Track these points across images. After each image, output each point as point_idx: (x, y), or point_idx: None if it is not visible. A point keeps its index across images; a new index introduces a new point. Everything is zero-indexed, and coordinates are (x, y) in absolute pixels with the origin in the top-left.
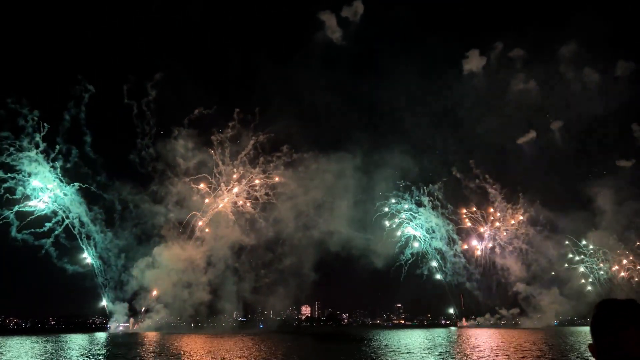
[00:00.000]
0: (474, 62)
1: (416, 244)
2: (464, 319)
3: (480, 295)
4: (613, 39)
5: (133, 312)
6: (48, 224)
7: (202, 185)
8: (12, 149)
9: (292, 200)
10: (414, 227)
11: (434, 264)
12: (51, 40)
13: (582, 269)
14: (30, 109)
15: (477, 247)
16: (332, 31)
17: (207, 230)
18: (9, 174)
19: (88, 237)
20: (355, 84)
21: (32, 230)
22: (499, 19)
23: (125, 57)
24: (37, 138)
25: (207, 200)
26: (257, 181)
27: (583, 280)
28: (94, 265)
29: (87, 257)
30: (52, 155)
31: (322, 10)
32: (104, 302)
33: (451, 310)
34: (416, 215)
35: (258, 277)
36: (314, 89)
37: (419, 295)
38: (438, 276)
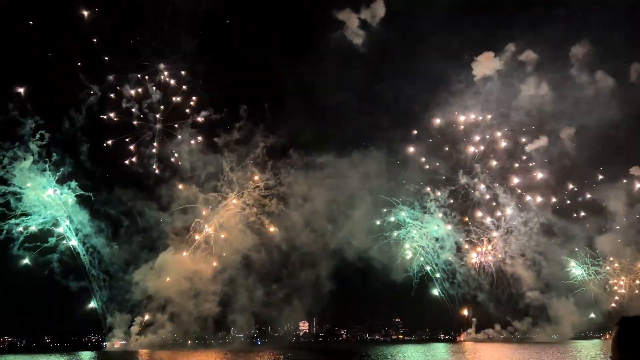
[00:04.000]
0: (487, 65)
1: (422, 256)
2: (463, 333)
3: (491, 307)
4: (627, 41)
5: (133, 326)
6: (52, 239)
7: (209, 194)
8: (5, 160)
9: (295, 210)
10: (421, 236)
11: (438, 275)
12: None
13: (596, 279)
14: (32, 115)
15: (486, 256)
16: (351, 31)
17: (212, 238)
18: (5, 187)
19: (93, 250)
20: (370, 86)
21: (34, 244)
22: (512, 18)
23: (126, 54)
24: (33, 146)
25: (213, 207)
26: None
27: (598, 291)
28: (96, 280)
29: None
30: (50, 165)
31: (340, 9)
32: (102, 316)
33: (454, 324)
34: (423, 223)
35: (267, 291)
36: (329, 89)
37: (420, 309)
38: (447, 290)
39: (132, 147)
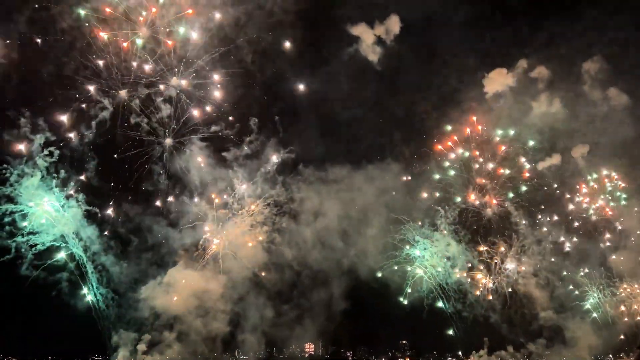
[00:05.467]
0: (499, 81)
1: (432, 276)
2: (472, 356)
3: (504, 328)
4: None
5: (140, 344)
6: (61, 258)
7: (217, 202)
8: (13, 177)
9: (307, 227)
10: (432, 255)
11: (449, 295)
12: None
13: (612, 300)
14: (43, 131)
15: (499, 276)
16: (366, 46)
17: (220, 256)
18: (13, 205)
19: (102, 268)
20: (383, 101)
21: (41, 262)
22: (526, 35)
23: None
24: (41, 161)
25: (223, 223)
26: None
27: (614, 313)
28: (104, 298)
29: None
30: (58, 181)
31: (355, 24)
32: (107, 335)
33: (465, 346)
34: (434, 242)
35: (277, 312)
36: (342, 104)
37: (428, 330)
38: (458, 310)
39: (141, 162)
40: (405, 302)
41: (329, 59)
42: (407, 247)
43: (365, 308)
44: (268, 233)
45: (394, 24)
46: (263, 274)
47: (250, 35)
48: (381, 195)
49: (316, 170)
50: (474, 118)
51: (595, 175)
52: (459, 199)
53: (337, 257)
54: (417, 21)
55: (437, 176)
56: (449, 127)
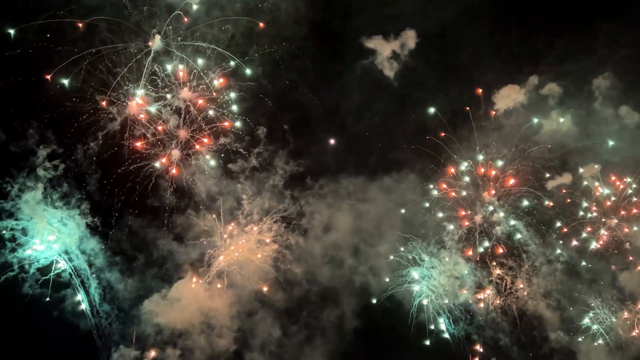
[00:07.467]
0: (511, 97)
1: (440, 296)
2: None
3: (514, 351)
4: None
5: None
6: (64, 273)
7: (223, 216)
8: (14, 191)
9: (316, 243)
10: (441, 273)
11: (456, 316)
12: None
13: (624, 324)
14: (49, 143)
15: (508, 297)
16: (382, 59)
17: (226, 272)
18: (15, 221)
19: (106, 284)
20: (394, 116)
21: (40, 278)
22: (540, 52)
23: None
24: (43, 173)
25: (230, 238)
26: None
27: (626, 336)
28: (107, 316)
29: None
30: (61, 195)
31: (370, 37)
32: (105, 353)
33: None
34: (442, 261)
35: (283, 331)
36: (353, 115)
37: (436, 353)
38: (467, 332)
39: (145, 176)
40: (412, 323)
41: (343, 71)
42: (414, 266)
43: (372, 329)
44: (276, 249)
45: (409, 38)
46: (270, 290)
47: (262, 48)
48: (390, 211)
49: (326, 184)
50: (480, 90)
51: (607, 192)
52: (466, 223)
53: (346, 275)
54: (433, 36)
55: (443, 185)
56: (431, 110)
